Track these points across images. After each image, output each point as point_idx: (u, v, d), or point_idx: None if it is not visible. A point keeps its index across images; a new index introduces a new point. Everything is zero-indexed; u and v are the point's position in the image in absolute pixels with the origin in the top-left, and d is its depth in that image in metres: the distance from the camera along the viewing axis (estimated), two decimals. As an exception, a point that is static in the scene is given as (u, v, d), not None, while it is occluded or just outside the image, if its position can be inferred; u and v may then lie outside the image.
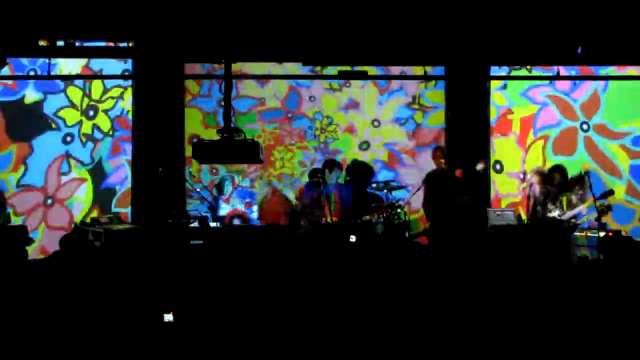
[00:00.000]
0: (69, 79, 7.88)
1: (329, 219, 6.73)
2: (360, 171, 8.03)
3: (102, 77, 7.97)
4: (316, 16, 5.80)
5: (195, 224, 6.77)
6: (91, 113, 8.03)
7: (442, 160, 7.03)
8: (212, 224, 6.96)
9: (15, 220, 7.17)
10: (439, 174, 7.03)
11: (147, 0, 5.73)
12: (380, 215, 6.55)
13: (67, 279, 4.95)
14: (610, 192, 6.46)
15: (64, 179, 7.95)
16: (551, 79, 7.28)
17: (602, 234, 6.10)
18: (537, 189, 6.70)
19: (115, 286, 4.88)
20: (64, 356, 4.04)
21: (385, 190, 7.15)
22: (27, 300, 4.58)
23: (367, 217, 6.73)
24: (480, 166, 6.94)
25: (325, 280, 5.08)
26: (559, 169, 7.00)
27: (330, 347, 3.92)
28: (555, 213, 6.39)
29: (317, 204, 7.10)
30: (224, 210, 8.05)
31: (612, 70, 7.54)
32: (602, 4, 5.76)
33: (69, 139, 7.96)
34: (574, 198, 6.48)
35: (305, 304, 4.57)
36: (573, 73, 7.50)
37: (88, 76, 7.96)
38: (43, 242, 7.54)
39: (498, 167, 8.15)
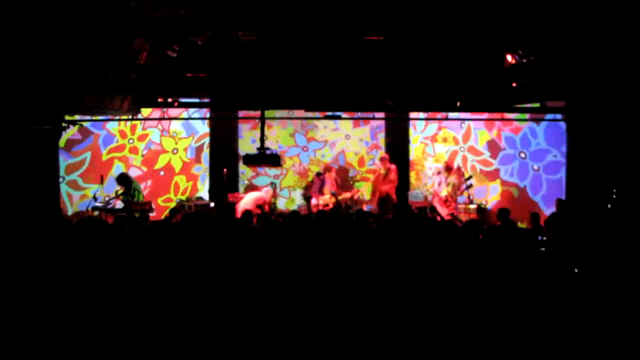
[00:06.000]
0: (174, 119, 12.30)
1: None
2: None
3: (194, 119, 12.35)
4: (311, 87, 9.79)
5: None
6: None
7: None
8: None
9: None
10: None
11: (218, 79, 9.76)
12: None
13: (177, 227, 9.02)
14: (470, 177, 10.86)
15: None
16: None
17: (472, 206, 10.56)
18: (439, 177, 11.11)
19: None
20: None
21: None
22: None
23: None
24: None
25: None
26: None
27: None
28: (445, 192, 10.81)
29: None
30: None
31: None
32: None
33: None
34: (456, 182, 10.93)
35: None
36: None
37: (186, 118, 12.36)
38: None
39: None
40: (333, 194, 11.32)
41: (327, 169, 12.04)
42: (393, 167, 11.55)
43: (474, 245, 5.83)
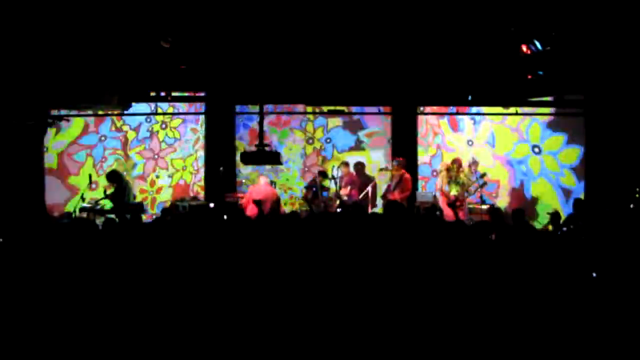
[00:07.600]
0: (165, 114, 11.69)
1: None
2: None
3: (188, 114, 11.73)
4: (313, 80, 9.34)
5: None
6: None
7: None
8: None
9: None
10: None
11: (215, 72, 9.36)
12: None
13: (168, 229, 8.51)
14: (484, 174, 10.14)
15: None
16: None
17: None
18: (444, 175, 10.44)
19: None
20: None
21: None
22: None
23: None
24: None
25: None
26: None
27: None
28: (454, 191, 10.15)
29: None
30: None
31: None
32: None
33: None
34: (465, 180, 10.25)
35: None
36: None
37: (180, 113, 11.78)
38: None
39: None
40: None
41: (344, 164, 11.10)
42: (408, 175, 10.45)
43: (484, 248, 5.49)
